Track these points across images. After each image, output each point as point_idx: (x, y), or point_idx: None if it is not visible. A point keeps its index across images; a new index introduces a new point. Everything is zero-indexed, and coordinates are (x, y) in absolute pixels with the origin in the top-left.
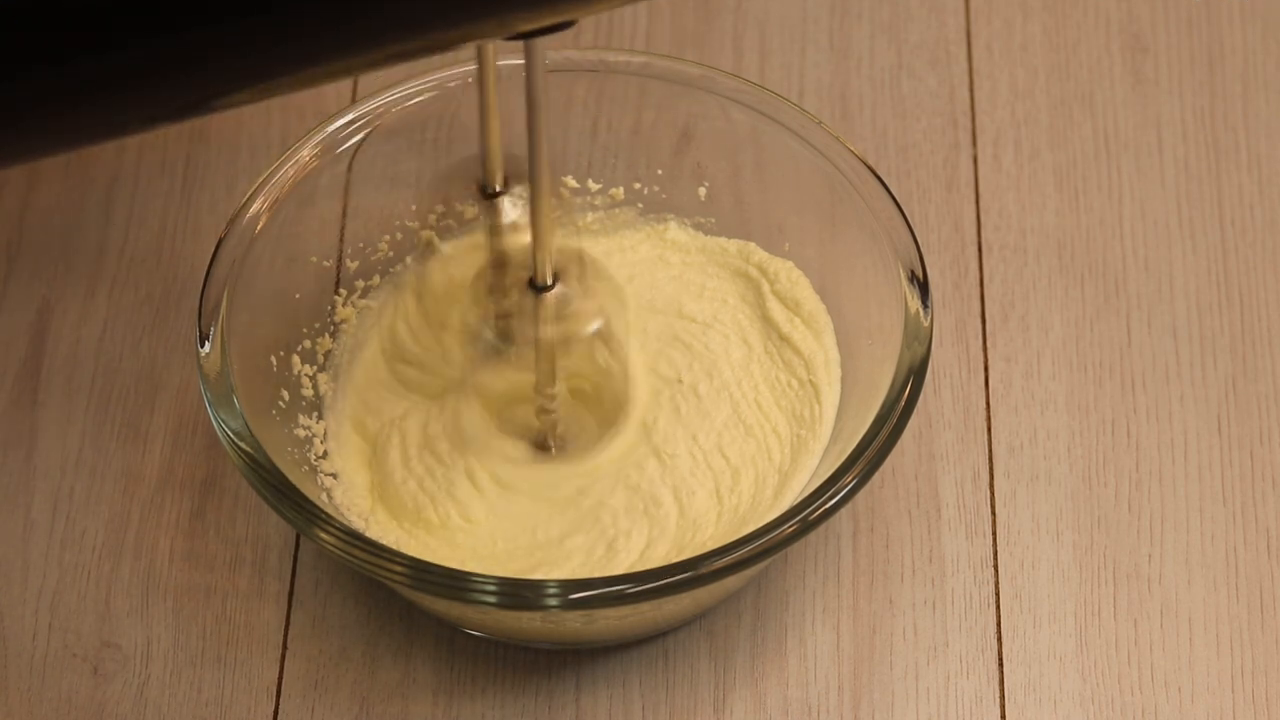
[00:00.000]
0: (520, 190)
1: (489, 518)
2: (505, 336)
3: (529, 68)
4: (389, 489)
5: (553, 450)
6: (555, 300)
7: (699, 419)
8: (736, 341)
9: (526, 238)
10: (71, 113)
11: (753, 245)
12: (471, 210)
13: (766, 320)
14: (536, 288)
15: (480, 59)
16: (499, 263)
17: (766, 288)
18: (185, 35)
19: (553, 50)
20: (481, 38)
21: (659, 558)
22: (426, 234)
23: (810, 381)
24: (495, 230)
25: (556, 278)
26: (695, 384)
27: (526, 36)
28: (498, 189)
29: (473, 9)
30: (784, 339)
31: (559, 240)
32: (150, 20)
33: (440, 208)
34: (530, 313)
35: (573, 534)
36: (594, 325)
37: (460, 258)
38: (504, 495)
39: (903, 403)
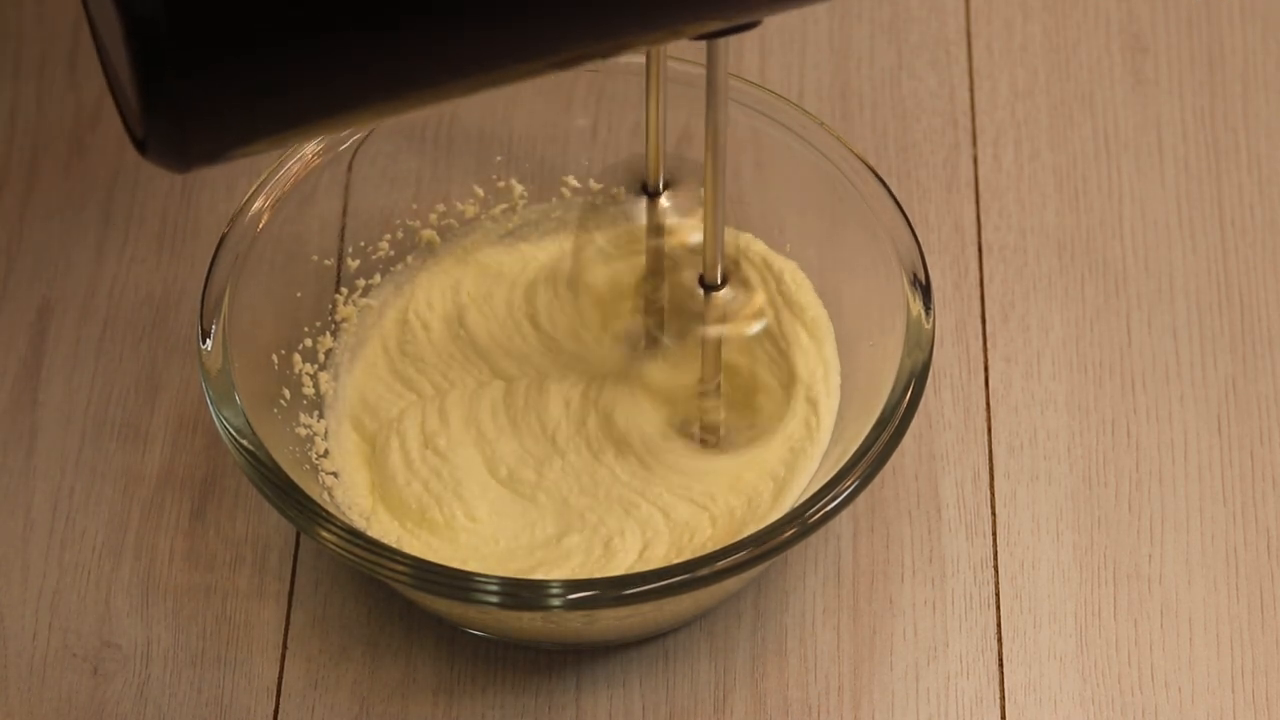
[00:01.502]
0: (681, 190)
1: (492, 516)
2: (669, 333)
3: (711, 68)
4: (391, 490)
5: (713, 443)
6: (723, 299)
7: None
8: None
9: (688, 236)
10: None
11: (748, 236)
12: (472, 209)
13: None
14: (706, 287)
15: (649, 60)
16: (658, 261)
17: (773, 286)
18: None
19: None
20: (673, 39)
21: (658, 559)
22: (428, 234)
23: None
24: (656, 229)
25: (724, 278)
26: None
27: (712, 36)
28: (660, 188)
29: (672, 12)
30: (790, 338)
31: (726, 240)
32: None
33: (441, 207)
34: (694, 311)
35: (569, 533)
36: (760, 324)
37: (618, 254)
38: (507, 494)
39: (904, 407)
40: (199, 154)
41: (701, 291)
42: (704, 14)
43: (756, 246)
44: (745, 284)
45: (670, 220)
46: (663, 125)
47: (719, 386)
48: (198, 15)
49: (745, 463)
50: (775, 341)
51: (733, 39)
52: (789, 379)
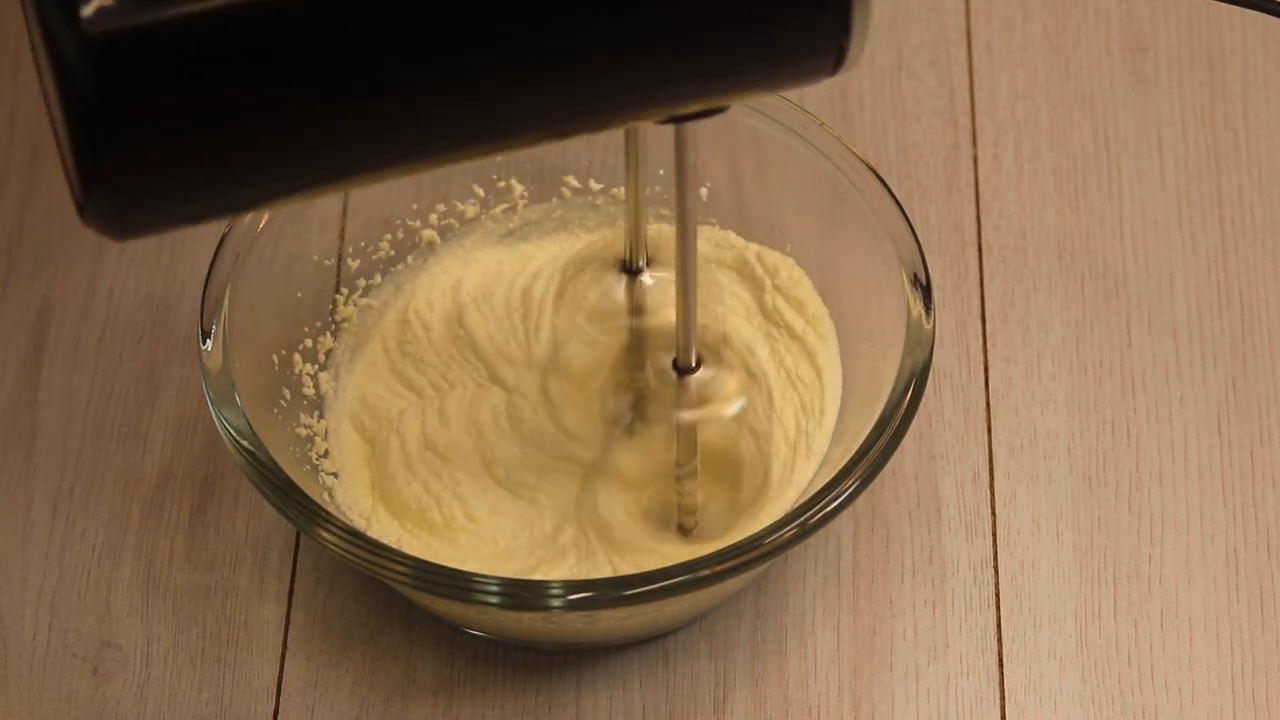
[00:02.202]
0: (661, 268)
1: (492, 516)
2: (644, 417)
3: (679, 151)
4: (390, 490)
5: (691, 534)
6: (697, 382)
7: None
8: (742, 339)
9: (667, 317)
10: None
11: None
12: (472, 209)
13: (770, 317)
14: (680, 370)
15: (628, 138)
16: (639, 341)
17: (769, 284)
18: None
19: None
20: (637, 121)
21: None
22: (428, 234)
23: (815, 379)
24: (637, 308)
25: (700, 360)
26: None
27: (679, 120)
28: (640, 266)
29: (632, 100)
30: (793, 337)
31: (703, 321)
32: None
33: (441, 207)
34: (670, 394)
35: (564, 527)
36: (736, 406)
37: (598, 336)
38: (507, 495)
39: (904, 408)
40: (134, 228)
41: (675, 375)
42: (668, 103)
43: (754, 245)
44: (722, 364)
45: (649, 299)
46: (642, 201)
47: (695, 471)
48: (136, 103)
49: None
50: (752, 426)
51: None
52: (763, 470)
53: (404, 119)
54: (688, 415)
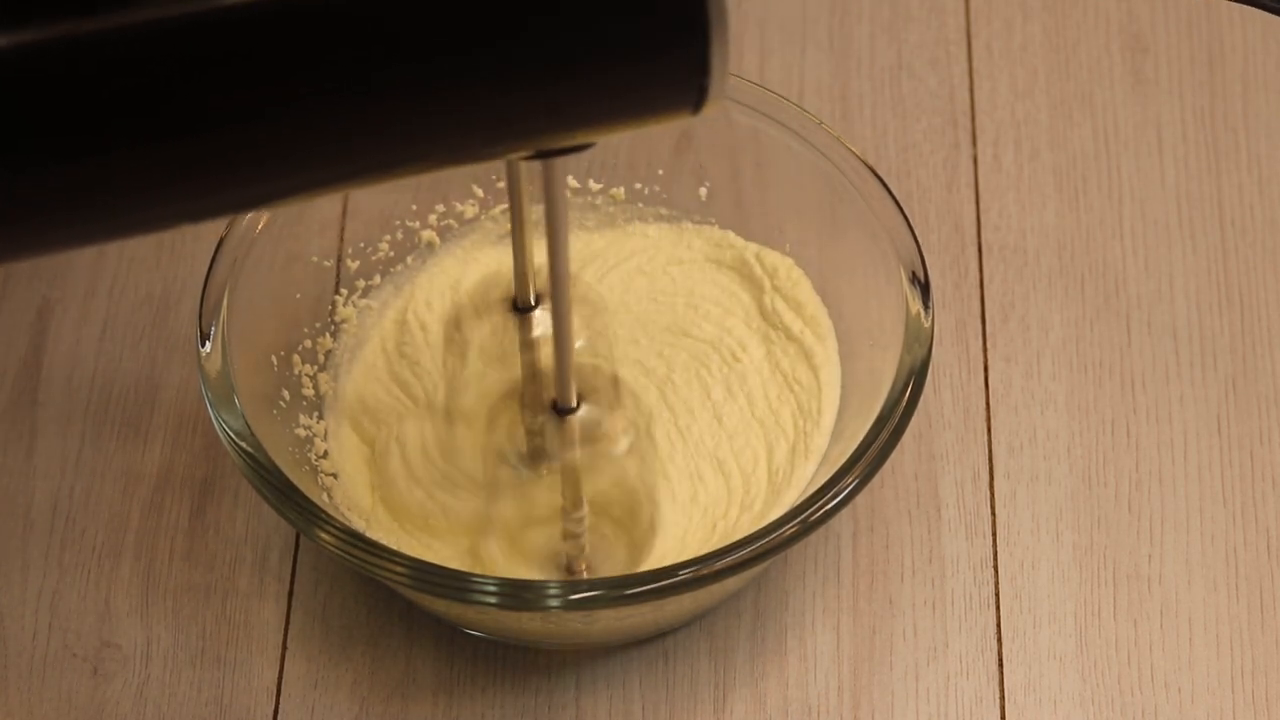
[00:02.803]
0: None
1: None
2: (535, 457)
3: (548, 187)
4: (393, 495)
5: (582, 575)
6: (580, 421)
7: (699, 416)
8: (737, 338)
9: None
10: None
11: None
12: (471, 210)
13: (768, 318)
14: (559, 410)
15: (510, 173)
16: (530, 379)
17: (768, 284)
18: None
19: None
20: (499, 158)
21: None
22: (427, 234)
23: (812, 380)
24: (528, 344)
25: (581, 398)
26: (694, 377)
27: (545, 156)
28: (531, 303)
29: (491, 138)
30: (790, 339)
31: (587, 359)
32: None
33: (441, 207)
34: (554, 434)
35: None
36: (619, 446)
37: (489, 374)
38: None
39: (903, 405)
40: None
41: (556, 415)
42: (529, 140)
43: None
44: (608, 403)
45: (540, 334)
46: (529, 237)
47: (581, 512)
48: None
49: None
50: (638, 464)
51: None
52: (653, 509)
53: (255, 160)
54: (570, 455)
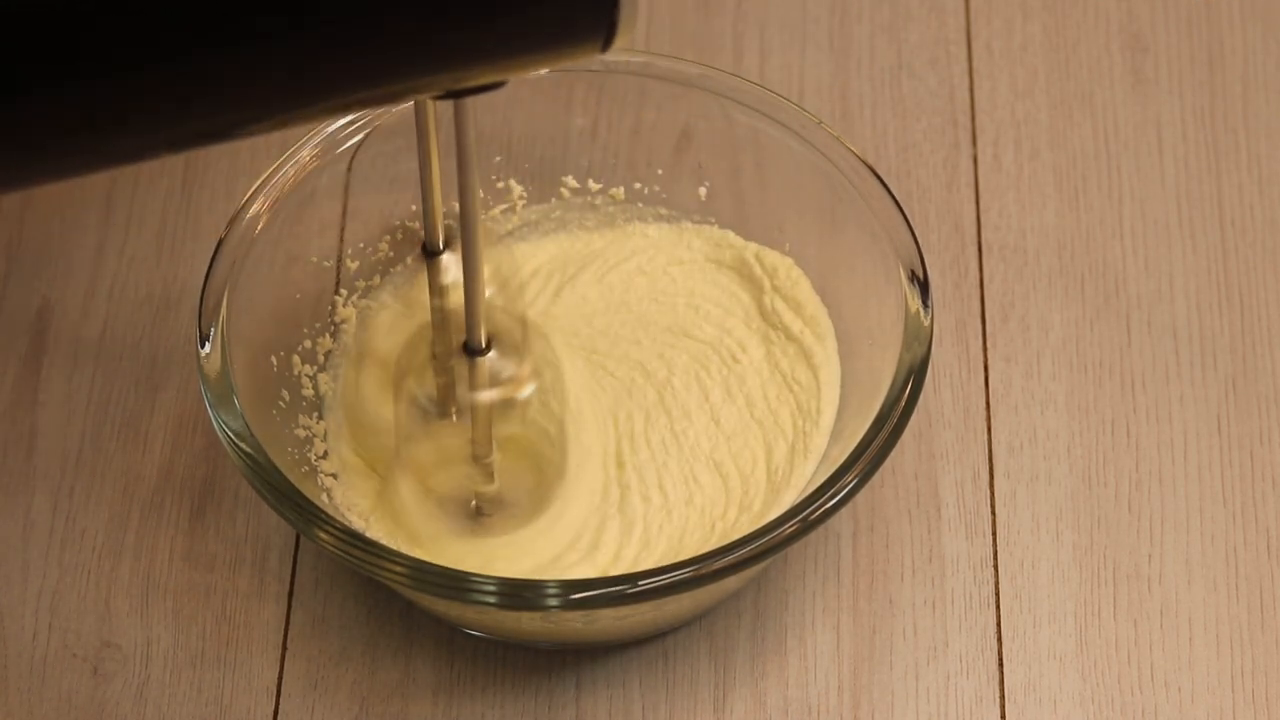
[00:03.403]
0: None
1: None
2: (444, 401)
3: (459, 126)
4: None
5: (490, 519)
6: (490, 365)
7: (696, 419)
8: (737, 339)
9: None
10: (48, 145)
11: (731, 234)
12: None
13: (767, 318)
14: (470, 351)
15: (419, 113)
16: (440, 324)
17: (768, 284)
18: (126, 80)
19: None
20: (409, 98)
21: (652, 560)
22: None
23: (811, 380)
24: (437, 289)
25: (490, 342)
26: (693, 379)
27: (456, 96)
28: (439, 247)
29: (401, 74)
30: (789, 338)
31: (498, 303)
32: (90, 65)
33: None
34: (464, 377)
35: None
36: (528, 390)
37: (400, 319)
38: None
39: (903, 403)
40: None
41: (467, 357)
42: (439, 77)
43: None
44: (517, 347)
45: (450, 279)
46: (437, 181)
47: (489, 455)
48: None
49: (517, 542)
50: (545, 407)
51: (719, 39)
52: (561, 454)
53: (169, 100)
54: (480, 397)
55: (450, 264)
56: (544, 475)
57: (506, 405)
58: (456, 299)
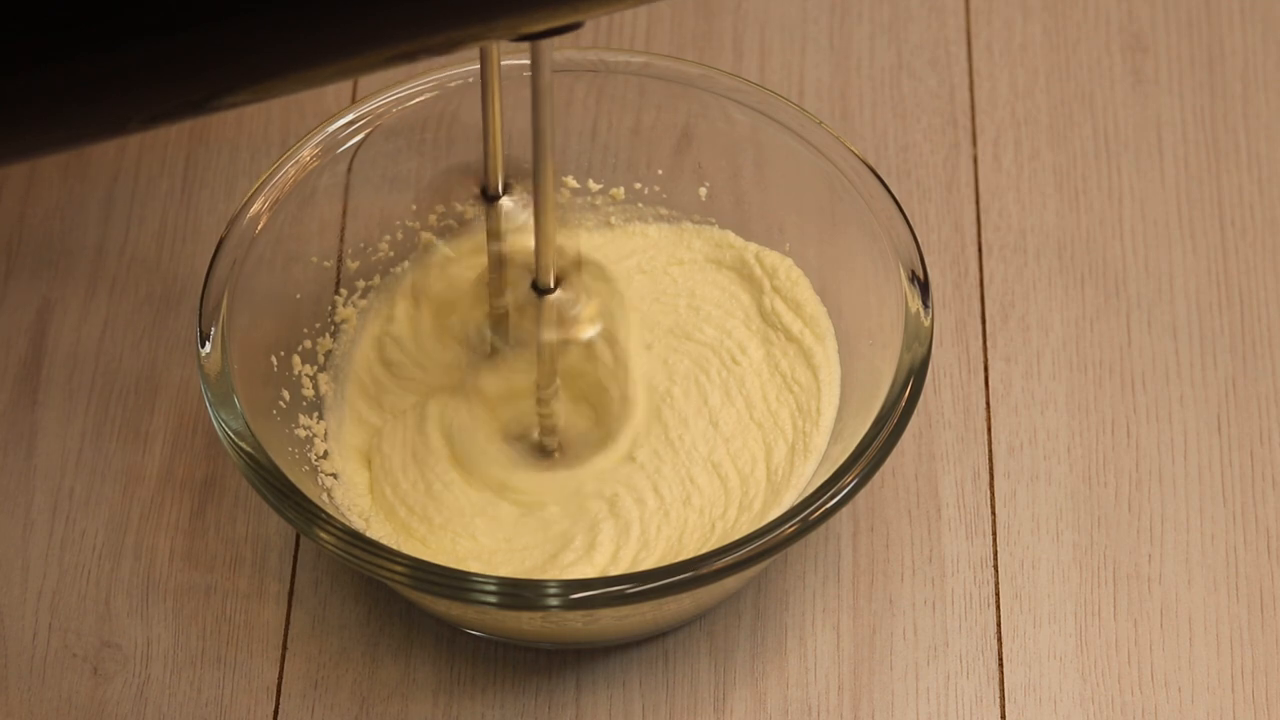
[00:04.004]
0: (521, 193)
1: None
2: (505, 339)
3: (535, 69)
4: (382, 503)
5: (554, 455)
6: (557, 303)
7: (694, 425)
8: (737, 340)
9: (527, 240)
10: (73, 109)
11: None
12: (472, 210)
13: (767, 319)
14: (539, 290)
15: (484, 60)
16: (499, 265)
17: (768, 285)
18: (187, 33)
19: (554, 51)
20: (490, 39)
21: (652, 560)
22: (427, 235)
23: (811, 380)
24: (496, 233)
25: (558, 281)
26: (693, 384)
27: (534, 38)
28: (499, 191)
29: (483, 10)
30: (789, 339)
31: (561, 243)
32: (151, 18)
33: (440, 208)
34: (532, 315)
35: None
36: (595, 329)
37: (460, 260)
38: (494, 500)
39: (903, 403)
40: None
41: (535, 295)
42: (517, 15)
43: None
44: (582, 288)
45: (510, 223)
46: (500, 125)
47: (556, 393)
48: None
49: (582, 476)
50: (610, 347)
51: (719, 39)
52: (624, 391)
53: (241, 38)
54: (547, 336)
55: (509, 208)
56: (605, 412)
57: (571, 343)
58: (514, 243)
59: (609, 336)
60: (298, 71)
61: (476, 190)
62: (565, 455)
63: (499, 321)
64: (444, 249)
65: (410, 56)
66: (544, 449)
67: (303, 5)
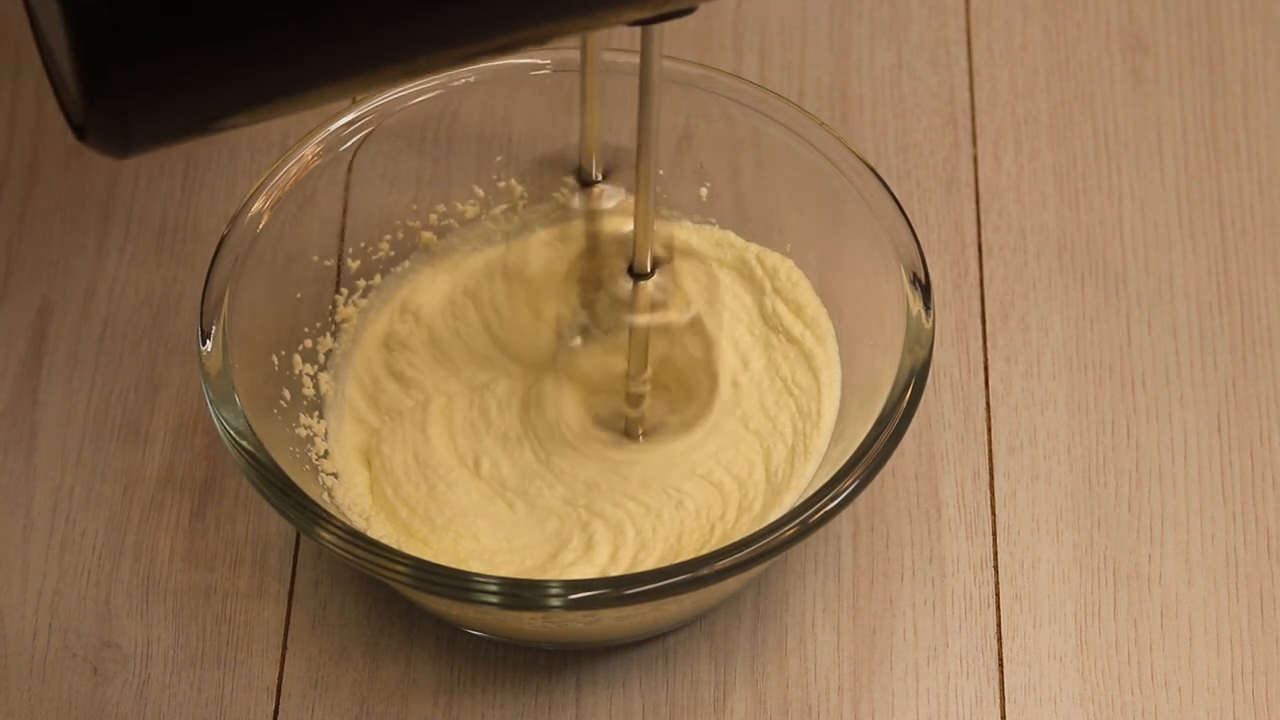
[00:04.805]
0: (615, 180)
1: (492, 527)
2: (598, 323)
3: (645, 54)
4: (383, 503)
5: (639, 439)
6: (652, 289)
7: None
8: (741, 353)
9: (622, 226)
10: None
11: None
12: (472, 210)
13: (768, 320)
14: (635, 275)
15: (584, 46)
16: (594, 249)
17: (769, 286)
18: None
19: (554, 50)
20: (604, 25)
21: (652, 560)
22: (427, 235)
23: (812, 382)
24: (592, 217)
25: (654, 267)
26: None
27: (646, 22)
28: (596, 177)
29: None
30: (790, 340)
31: (657, 229)
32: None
33: (441, 207)
34: (627, 300)
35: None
36: (689, 314)
37: (554, 244)
38: (495, 498)
39: (904, 406)
40: (139, 141)
41: (630, 280)
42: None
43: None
44: (676, 273)
45: (605, 208)
46: (598, 112)
47: (647, 377)
48: (139, 5)
49: (671, 456)
50: (700, 333)
51: (719, 39)
52: (711, 377)
53: (394, 23)
54: (641, 320)
55: (604, 192)
56: (693, 398)
57: (663, 329)
58: (609, 226)
59: (697, 326)
60: (422, 53)
61: (573, 175)
62: (650, 439)
63: (592, 306)
64: (540, 231)
65: (530, 42)
66: (629, 433)
67: None
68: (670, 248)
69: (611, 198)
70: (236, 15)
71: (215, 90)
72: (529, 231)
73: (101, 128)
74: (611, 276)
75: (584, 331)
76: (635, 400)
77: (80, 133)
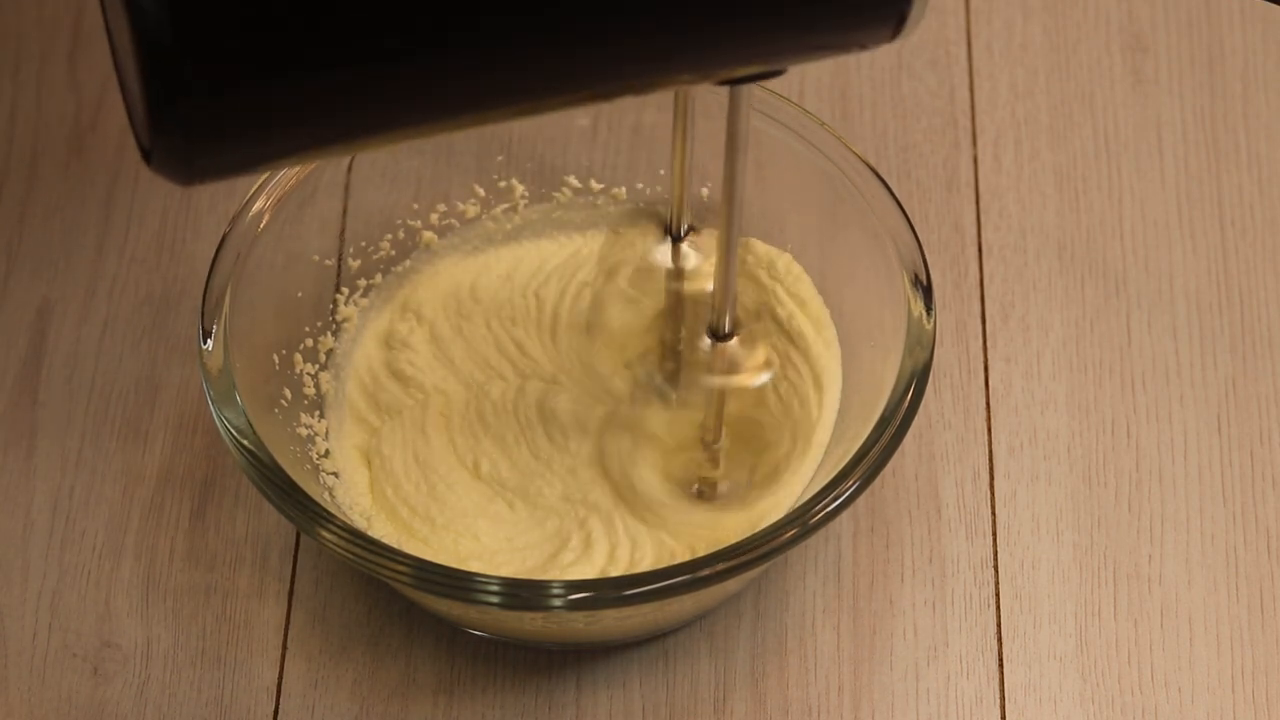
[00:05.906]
0: (704, 235)
1: (492, 527)
2: (674, 382)
3: (732, 114)
4: (383, 503)
5: (710, 496)
6: (730, 350)
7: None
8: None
9: (707, 284)
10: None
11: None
12: (473, 209)
13: (772, 317)
14: (715, 336)
15: (677, 102)
16: (675, 308)
17: (769, 285)
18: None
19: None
20: (696, 83)
21: (648, 562)
22: (428, 234)
23: (813, 382)
24: (677, 274)
25: (735, 328)
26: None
27: (735, 83)
28: (683, 233)
29: (688, 60)
30: (791, 341)
31: (740, 290)
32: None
33: (442, 207)
34: (705, 361)
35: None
36: (764, 377)
37: (640, 300)
38: (495, 498)
39: (905, 407)
40: (201, 172)
41: (709, 340)
42: (724, 64)
43: (754, 245)
44: (757, 334)
45: (690, 265)
46: (688, 168)
47: (720, 438)
48: (210, 41)
49: (741, 520)
50: (779, 394)
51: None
52: (796, 432)
53: (472, 74)
54: (718, 382)
55: (690, 251)
56: (766, 459)
57: (741, 391)
58: (693, 286)
59: (777, 385)
60: (502, 105)
61: (660, 230)
62: (720, 502)
63: (669, 362)
64: (621, 284)
65: (610, 97)
66: (702, 495)
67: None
68: (758, 312)
69: (697, 254)
70: (314, 48)
71: (285, 128)
72: (614, 278)
73: (165, 156)
74: (691, 337)
75: (662, 388)
76: (710, 462)
77: (146, 157)
